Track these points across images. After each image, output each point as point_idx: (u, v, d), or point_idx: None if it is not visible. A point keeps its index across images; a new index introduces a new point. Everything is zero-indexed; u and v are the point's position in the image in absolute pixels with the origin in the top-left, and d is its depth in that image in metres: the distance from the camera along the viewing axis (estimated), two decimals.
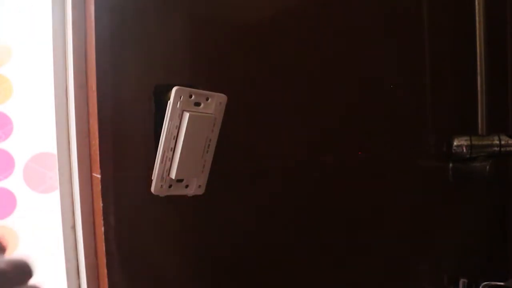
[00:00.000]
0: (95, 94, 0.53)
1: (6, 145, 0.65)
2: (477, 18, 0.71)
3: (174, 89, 0.50)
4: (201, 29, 0.58)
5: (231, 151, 0.58)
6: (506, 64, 0.77)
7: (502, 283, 0.71)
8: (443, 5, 0.73)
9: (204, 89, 0.57)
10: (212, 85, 0.57)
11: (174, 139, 0.50)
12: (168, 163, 0.51)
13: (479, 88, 0.72)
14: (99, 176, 0.53)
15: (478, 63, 0.72)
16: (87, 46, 0.56)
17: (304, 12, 0.63)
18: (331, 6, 0.65)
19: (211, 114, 0.52)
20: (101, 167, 0.53)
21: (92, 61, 0.54)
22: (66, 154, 0.60)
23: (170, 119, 0.50)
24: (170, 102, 0.50)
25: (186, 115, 0.50)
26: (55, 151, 0.60)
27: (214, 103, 0.53)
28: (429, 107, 0.72)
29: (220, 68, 0.59)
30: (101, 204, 0.53)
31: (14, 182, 0.65)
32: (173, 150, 0.50)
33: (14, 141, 0.65)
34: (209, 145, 0.53)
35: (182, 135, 0.50)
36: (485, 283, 0.71)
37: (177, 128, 0.50)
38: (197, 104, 0.52)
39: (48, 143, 0.64)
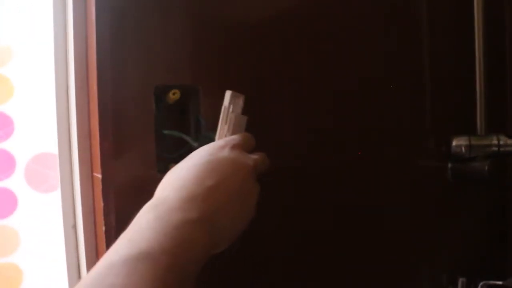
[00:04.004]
0: (96, 94, 0.53)
1: (7, 145, 0.65)
2: (476, 18, 0.72)
3: (228, 94, 0.51)
4: (201, 29, 0.58)
5: None
6: (505, 64, 0.77)
7: (500, 282, 0.71)
8: (442, 5, 0.73)
9: (204, 88, 0.57)
10: (212, 85, 0.58)
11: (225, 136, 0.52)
12: None
13: (478, 88, 0.72)
14: (100, 175, 0.53)
15: (477, 63, 0.72)
16: (88, 46, 0.57)
17: (303, 12, 0.63)
18: (331, 6, 0.65)
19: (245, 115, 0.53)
20: (102, 167, 0.53)
21: (93, 61, 0.54)
22: (67, 154, 0.60)
23: (225, 123, 0.51)
24: (225, 107, 0.51)
25: (233, 116, 0.52)
26: (56, 151, 0.60)
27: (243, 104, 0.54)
28: (428, 107, 0.72)
29: (220, 68, 0.59)
30: (102, 204, 0.53)
31: (16, 182, 0.65)
32: None
33: (15, 141, 0.65)
34: None
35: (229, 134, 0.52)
36: (484, 282, 0.71)
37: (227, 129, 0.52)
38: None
39: (49, 143, 0.64)
